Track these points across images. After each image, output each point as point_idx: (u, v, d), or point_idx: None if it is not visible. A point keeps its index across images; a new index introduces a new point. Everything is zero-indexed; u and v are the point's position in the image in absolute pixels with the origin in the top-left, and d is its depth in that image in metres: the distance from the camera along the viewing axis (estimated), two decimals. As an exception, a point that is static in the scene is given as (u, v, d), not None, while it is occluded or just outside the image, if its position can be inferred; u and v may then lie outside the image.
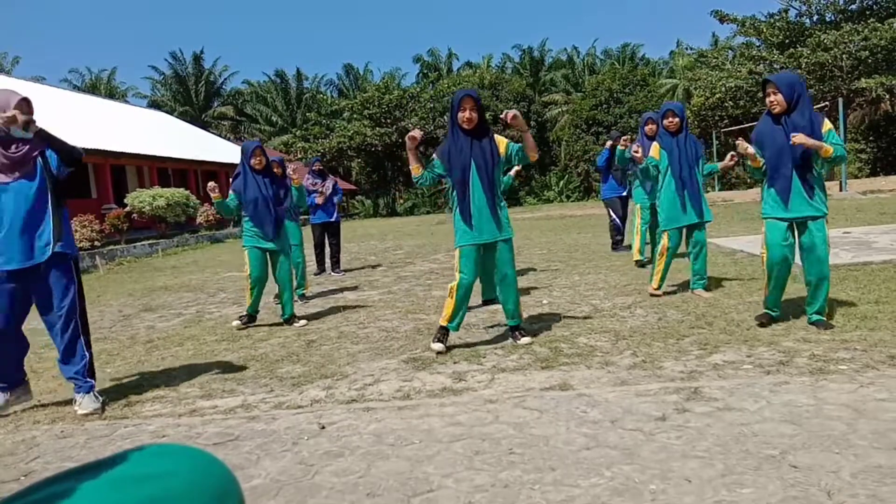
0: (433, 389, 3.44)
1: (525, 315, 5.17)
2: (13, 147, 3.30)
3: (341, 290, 7.41)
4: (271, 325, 5.61)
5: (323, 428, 2.98)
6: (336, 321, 5.55)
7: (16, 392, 3.55)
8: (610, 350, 3.97)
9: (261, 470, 2.57)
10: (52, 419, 3.40)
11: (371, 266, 9.58)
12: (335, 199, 8.56)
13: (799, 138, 3.83)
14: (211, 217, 18.89)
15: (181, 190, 18.12)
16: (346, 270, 9.08)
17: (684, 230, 5.48)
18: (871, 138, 26.78)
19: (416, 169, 4.23)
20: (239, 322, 5.56)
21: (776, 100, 4.02)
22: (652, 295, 5.53)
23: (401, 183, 31.86)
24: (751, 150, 4.13)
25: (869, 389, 2.94)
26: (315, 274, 8.77)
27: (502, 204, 4.24)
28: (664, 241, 5.48)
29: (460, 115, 4.09)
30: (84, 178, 18.70)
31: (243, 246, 5.52)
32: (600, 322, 4.72)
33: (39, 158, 3.39)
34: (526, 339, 4.27)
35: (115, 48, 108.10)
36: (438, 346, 4.17)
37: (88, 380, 3.52)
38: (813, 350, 3.62)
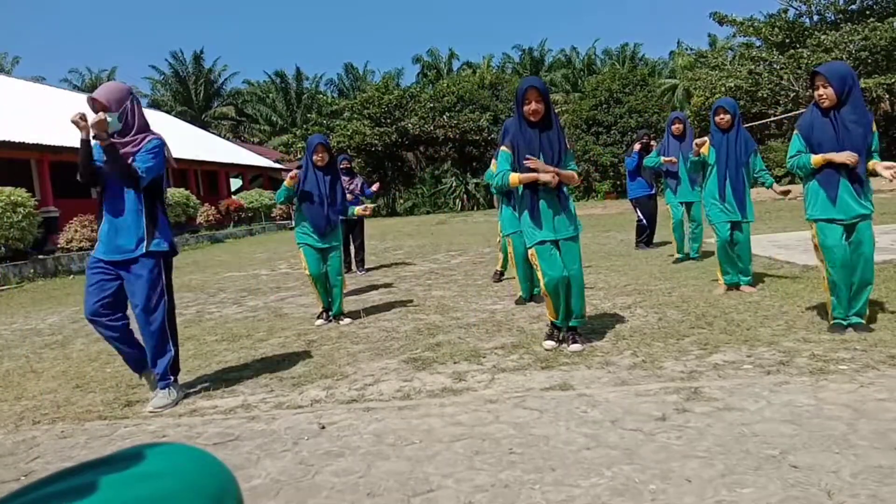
0: (433, 389, 3.44)
1: (525, 315, 5.17)
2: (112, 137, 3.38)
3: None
4: (271, 325, 5.61)
5: (323, 428, 2.98)
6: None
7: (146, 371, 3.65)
8: (610, 350, 3.96)
9: (261, 470, 2.57)
10: (52, 419, 3.40)
11: (371, 266, 9.58)
12: (361, 198, 8.62)
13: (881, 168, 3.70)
14: (211, 217, 18.89)
15: (181, 190, 18.11)
16: (367, 269, 9.06)
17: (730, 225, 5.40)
18: (871, 138, 26.76)
19: (496, 165, 3.97)
20: (322, 321, 5.48)
21: (826, 94, 3.77)
22: (720, 292, 5.41)
23: (401, 183, 31.84)
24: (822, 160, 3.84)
25: (869, 389, 2.94)
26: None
27: (570, 198, 4.08)
28: (715, 236, 5.46)
29: (526, 108, 3.86)
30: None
31: (297, 244, 5.46)
32: (600, 322, 4.71)
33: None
34: (576, 347, 4.00)
35: (115, 48, 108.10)
36: (549, 343, 4.09)
37: (168, 377, 3.56)
38: (813, 350, 3.62)
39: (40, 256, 11.57)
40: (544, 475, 2.33)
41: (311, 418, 3.13)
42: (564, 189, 4.03)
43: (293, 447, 2.78)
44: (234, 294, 7.63)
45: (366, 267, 9.09)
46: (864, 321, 3.99)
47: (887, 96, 24.78)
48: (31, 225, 11.25)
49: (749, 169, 5.41)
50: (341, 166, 8.53)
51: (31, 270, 10.95)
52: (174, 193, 17.19)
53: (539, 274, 4.02)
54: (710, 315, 4.68)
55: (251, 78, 59.60)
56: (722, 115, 5.35)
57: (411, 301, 6.26)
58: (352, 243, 8.82)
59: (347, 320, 5.46)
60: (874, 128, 3.85)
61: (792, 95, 23.86)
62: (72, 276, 11.21)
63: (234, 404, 3.45)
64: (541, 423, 2.83)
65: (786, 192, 5.38)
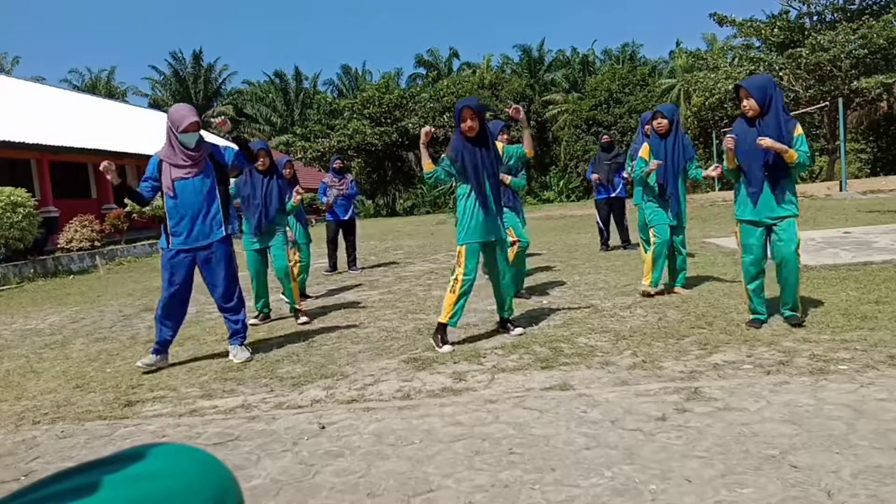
0: (433, 389, 3.44)
1: (525, 315, 5.17)
2: (193, 149, 4.14)
3: (341, 289, 7.42)
4: (271, 325, 5.62)
5: (323, 428, 2.98)
6: (336, 321, 5.55)
7: (162, 355, 4.31)
8: (610, 350, 3.96)
9: (261, 470, 2.57)
10: (52, 419, 3.40)
11: (371, 266, 9.58)
12: (350, 198, 8.77)
13: (766, 142, 3.94)
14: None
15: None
16: (362, 268, 9.19)
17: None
18: (871, 138, 26.76)
19: (429, 165, 4.38)
20: (255, 320, 5.75)
21: (749, 104, 4.11)
22: (644, 294, 5.51)
23: (400, 183, 31.83)
24: (730, 143, 4.17)
25: (869, 389, 2.94)
26: (326, 272, 8.93)
27: (506, 206, 4.50)
28: (652, 237, 5.54)
29: (462, 124, 4.33)
30: (84, 178, 18.70)
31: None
32: (600, 322, 4.71)
33: (208, 159, 4.21)
34: (519, 330, 4.54)
35: (115, 48, 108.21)
36: (448, 348, 4.23)
37: (244, 334, 4.44)
38: (813, 350, 3.62)
39: (40, 256, 11.56)
40: (544, 475, 2.33)
41: (311, 418, 3.13)
42: (500, 196, 4.46)
43: (293, 447, 2.78)
44: (234, 294, 7.62)
45: (359, 266, 9.19)
46: (797, 314, 4.20)
47: (885, 95, 24.79)
48: (31, 225, 11.25)
49: (685, 176, 5.50)
50: (333, 166, 8.66)
51: (31, 270, 10.95)
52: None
53: (460, 270, 4.37)
54: (710, 315, 4.68)
55: (250, 78, 59.59)
56: (659, 121, 5.43)
57: (411, 301, 6.26)
58: (343, 243, 8.96)
59: (304, 319, 5.56)
60: (798, 131, 4.07)
61: (792, 96, 23.85)
62: (72, 276, 11.20)
63: (234, 404, 3.45)
64: (541, 423, 2.83)
65: (717, 167, 5.17)
